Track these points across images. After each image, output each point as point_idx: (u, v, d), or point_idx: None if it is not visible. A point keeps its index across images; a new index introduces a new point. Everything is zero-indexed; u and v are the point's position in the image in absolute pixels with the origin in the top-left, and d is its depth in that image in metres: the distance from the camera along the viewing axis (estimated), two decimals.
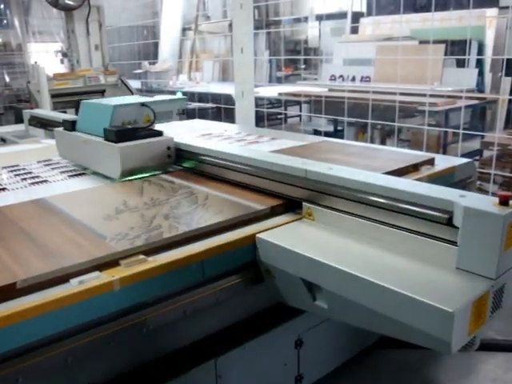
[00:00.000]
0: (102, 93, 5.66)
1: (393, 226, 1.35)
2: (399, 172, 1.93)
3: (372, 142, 4.70)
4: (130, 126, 2.12)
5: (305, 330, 1.82)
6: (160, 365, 1.50)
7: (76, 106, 3.14)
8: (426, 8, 6.11)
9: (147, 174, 2.07)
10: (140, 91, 7.49)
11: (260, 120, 4.71)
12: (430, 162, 2.12)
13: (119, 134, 2.01)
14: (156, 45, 10.04)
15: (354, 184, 1.44)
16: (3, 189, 2.03)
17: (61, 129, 2.46)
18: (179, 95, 2.27)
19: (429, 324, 1.08)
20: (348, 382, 2.00)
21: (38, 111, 3.77)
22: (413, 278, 1.19)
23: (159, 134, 2.12)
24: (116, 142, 1.99)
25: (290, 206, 1.65)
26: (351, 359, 2.05)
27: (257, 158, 1.78)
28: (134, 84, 6.81)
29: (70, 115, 3.14)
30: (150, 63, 8.95)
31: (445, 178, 2.02)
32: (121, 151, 1.97)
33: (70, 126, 2.36)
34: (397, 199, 1.35)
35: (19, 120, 5.60)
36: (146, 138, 2.06)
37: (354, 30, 7.43)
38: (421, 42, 5.44)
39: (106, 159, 2.06)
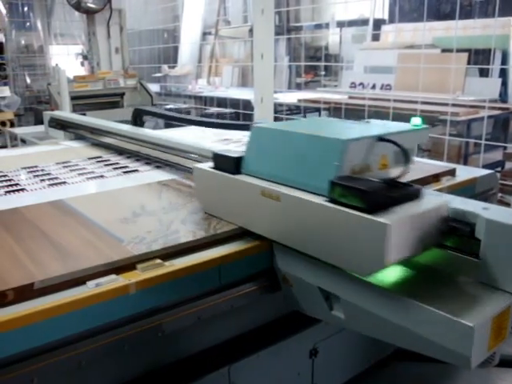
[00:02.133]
0: (121, 96, 5.71)
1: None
2: (420, 182, 1.90)
3: None
4: (375, 179, 1.24)
5: (320, 339, 1.80)
6: (173, 370, 1.50)
7: (136, 115, 2.97)
8: (449, 16, 6.07)
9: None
10: (159, 95, 7.54)
11: None
12: (451, 172, 2.09)
13: (375, 195, 1.15)
14: (176, 49, 10.10)
15: None
16: (22, 189, 2.04)
17: (206, 166, 1.62)
18: (417, 121, 1.45)
19: (448, 338, 1.06)
20: None
21: (58, 113, 3.81)
22: (433, 291, 1.16)
23: (419, 192, 1.26)
24: (369, 212, 1.13)
25: None
26: (366, 370, 2.02)
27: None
28: (154, 88, 6.85)
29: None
30: (170, 67, 8.99)
31: (466, 190, 1.98)
32: (391, 232, 1.09)
33: (233, 165, 1.51)
34: None
35: (39, 121, 5.66)
36: (408, 200, 1.22)
37: (376, 38, 7.40)
38: (443, 51, 5.40)
39: (338, 238, 1.20)
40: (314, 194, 1.26)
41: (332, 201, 1.20)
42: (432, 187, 1.91)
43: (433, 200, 1.24)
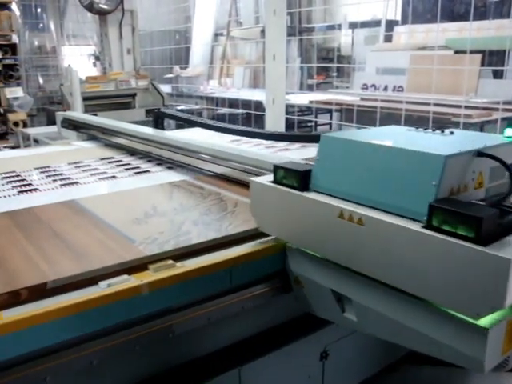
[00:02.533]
0: (132, 96, 5.73)
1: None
2: None
3: None
4: (481, 202, 1.10)
5: (331, 341, 1.79)
6: (184, 371, 1.49)
7: (158, 117, 2.80)
8: (463, 17, 6.02)
9: None
10: (170, 96, 7.56)
11: (290, 127, 4.70)
12: None
13: (489, 224, 0.97)
14: (188, 50, 10.13)
15: None
16: (35, 189, 2.05)
17: (265, 180, 1.42)
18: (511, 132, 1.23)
19: (461, 341, 1.05)
20: None
21: (70, 113, 3.83)
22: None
23: None
24: (482, 243, 0.96)
25: None
26: (377, 374, 2.01)
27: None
28: (165, 88, 6.87)
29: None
30: (181, 68, 9.02)
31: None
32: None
33: (298, 179, 1.31)
34: None
35: (51, 121, 5.70)
36: None
37: (388, 39, 7.38)
38: (456, 52, 5.36)
39: (440, 272, 1.02)
40: (405, 217, 1.08)
41: (430, 227, 1.03)
42: None
43: None
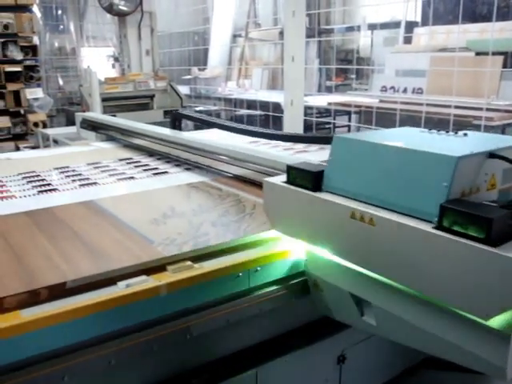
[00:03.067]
0: (151, 98, 5.76)
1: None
2: None
3: None
4: (493, 204, 1.10)
5: (348, 345, 1.77)
6: (201, 372, 1.49)
7: (175, 119, 2.80)
8: (485, 18, 5.94)
9: None
10: (189, 97, 7.59)
11: (308, 129, 4.69)
12: None
13: (499, 225, 0.97)
14: (206, 51, 10.16)
15: None
16: (54, 189, 2.07)
17: (278, 180, 1.43)
18: None
19: (483, 347, 1.03)
20: None
21: (89, 114, 3.86)
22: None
23: None
24: (493, 244, 0.95)
25: None
26: (394, 378, 1.99)
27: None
28: (183, 90, 6.90)
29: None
30: (200, 69, 9.05)
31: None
32: None
33: (312, 180, 1.32)
34: None
35: (70, 122, 5.76)
36: None
37: (408, 40, 7.32)
38: (477, 54, 5.29)
39: (452, 273, 1.02)
40: (416, 218, 1.09)
41: (441, 228, 1.03)
42: None
43: None
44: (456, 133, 1.29)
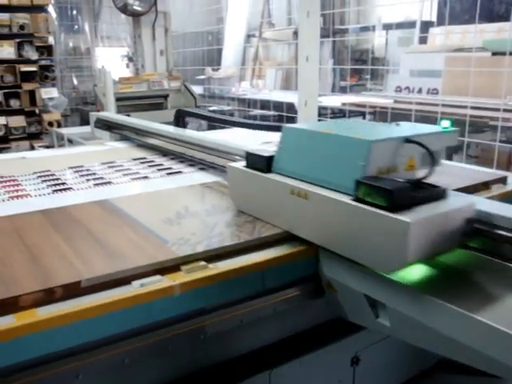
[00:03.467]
0: (165, 97, 5.78)
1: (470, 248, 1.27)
2: (469, 190, 1.84)
3: None
4: (400, 179, 1.26)
5: (362, 347, 1.76)
6: (214, 373, 1.49)
7: (179, 116, 2.97)
8: (502, 17, 5.87)
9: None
10: (203, 97, 7.60)
11: None
12: (502, 180, 2.02)
13: (399, 195, 1.16)
14: (220, 51, 10.17)
15: None
16: (69, 188, 2.08)
17: (240, 165, 1.67)
18: (446, 124, 1.44)
19: (500, 350, 1.01)
20: None
21: (103, 114, 3.88)
22: (486, 302, 1.12)
23: (444, 193, 1.29)
24: (392, 210, 1.15)
25: None
26: (409, 380, 1.97)
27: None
28: (197, 90, 6.91)
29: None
30: (213, 69, 9.07)
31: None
32: (412, 231, 1.11)
33: (264, 164, 1.54)
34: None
35: (84, 122, 5.80)
36: (432, 201, 1.24)
37: (423, 40, 7.26)
38: (494, 54, 5.23)
39: (361, 236, 1.23)
40: (341, 192, 1.29)
41: (357, 200, 1.23)
42: (482, 195, 1.84)
43: (458, 201, 1.26)
44: (391, 124, 1.51)
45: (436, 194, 1.27)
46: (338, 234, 1.30)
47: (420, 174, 1.32)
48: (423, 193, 1.25)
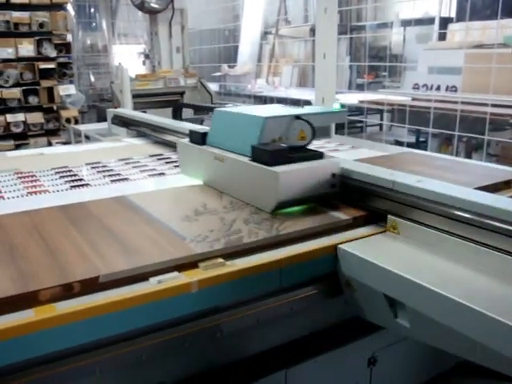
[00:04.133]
0: (181, 94, 5.78)
1: (486, 245, 1.25)
2: (489, 188, 1.81)
3: (457, 155, 4.50)
4: (284, 145, 1.70)
5: (380, 348, 1.75)
6: (230, 371, 1.49)
7: (176, 109, 3.09)
8: None
9: (302, 207, 1.66)
10: (219, 94, 7.60)
11: (338, 127, 4.64)
12: None
13: (276, 154, 1.61)
14: (236, 48, 10.16)
15: (446, 199, 1.36)
16: (86, 184, 2.09)
17: (186, 140, 2.13)
18: (336, 105, 1.78)
19: None
20: None
21: (121, 110, 3.89)
22: (508, 303, 1.09)
23: (320, 156, 1.71)
24: (271, 165, 1.59)
25: (373, 218, 1.59)
26: (426, 383, 1.95)
27: (341, 167, 1.73)
28: (213, 87, 6.90)
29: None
30: (230, 66, 9.06)
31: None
32: (281, 178, 1.55)
33: (200, 138, 2.01)
34: (492, 217, 1.25)
35: (101, 118, 5.83)
36: (305, 160, 1.65)
37: (441, 37, 7.17)
38: None
39: (253, 185, 1.67)
40: (244, 155, 1.74)
41: (253, 160, 1.69)
42: (503, 194, 1.82)
43: (327, 161, 1.70)
44: (302, 107, 1.93)
45: (312, 155, 1.70)
46: (241, 184, 1.75)
47: (304, 142, 1.75)
48: (300, 154, 1.67)
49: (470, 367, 1.96)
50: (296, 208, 1.64)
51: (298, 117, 1.74)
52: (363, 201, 1.63)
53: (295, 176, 1.59)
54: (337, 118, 2.10)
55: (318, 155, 1.70)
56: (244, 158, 1.71)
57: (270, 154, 1.61)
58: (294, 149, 1.69)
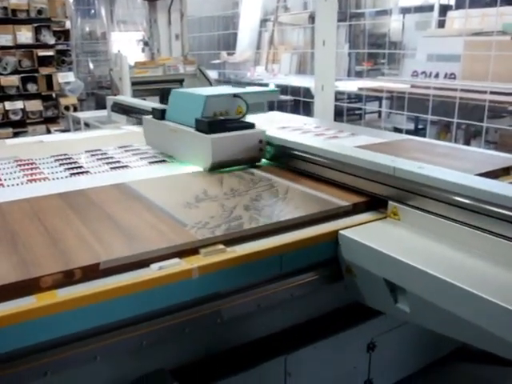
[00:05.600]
0: (180, 82, 5.76)
1: (486, 231, 1.26)
2: (489, 175, 1.81)
3: (455, 142, 4.50)
4: (221, 118, 2.07)
5: (379, 333, 1.76)
6: (231, 356, 1.50)
7: (163, 94, 3.21)
8: None
9: (236, 168, 2.01)
10: (218, 82, 7.57)
11: (337, 115, 4.63)
12: None
13: (211, 125, 1.98)
14: (235, 35, 10.09)
15: (447, 185, 1.36)
16: (86, 172, 2.08)
17: (149, 117, 2.47)
18: (272, 87, 2.32)
19: None
20: None
21: (120, 98, 3.88)
22: (508, 288, 1.10)
23: (251, 126, 2.06)
24: (208, 133, 1.95)
25: (374, 204, 1.59)
26: (424, 368, 1.97)
27: (342, 153, 1.73)
28: (212, 74, 6.87)
29: (158, 104, 3.20)
30: (229, 54, 9.01)
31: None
32: (212, 142, 1.92)
33: (160, 114, 2.36)
34: (492, 203, 1.26)
35: (100, 106, 5.81)
36: (238, 130, 2.01)
37: (440, 24, 7.13)
38: None
39: (196, 150, 2.05)
40: (191, 127, 2.08)
41: (196, 130, 2.04)
42: (502, 181, 1.82)
43: (255, 130, 2.06)
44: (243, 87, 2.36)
45: (244, 126, 2.06)
46: (188, 150, 2.11)
47: (240, 116, 2.11)
48: (234, 125, 2.03)
49: (467, 352, 1.98)
50: (232, 168, 2.01)
51: (235, 95, 2.11)
52: (282, 160, 2.05)
53: (226, 141, 1.96)
54: (269, 96, 2.63)
55: (249, 126, 2.07)
56: (190, 129, 2.08)
57: (207, 124, 1.99)
58: (230, 121, 2.06)
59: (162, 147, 2.36)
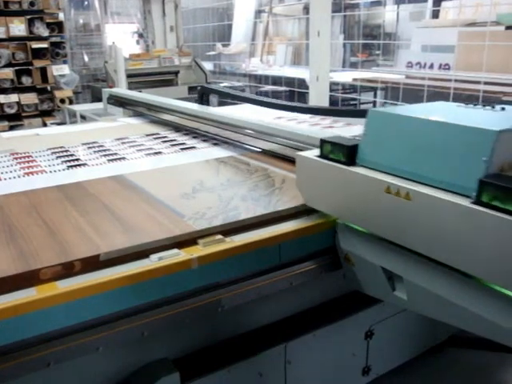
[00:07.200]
0: (175, 74, 5.74)
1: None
2: None
3: None
4: None
5: (376, 321, 1.77)
6: (231, 345, 1.51)
7: (202, 94, 2.79)
8: None
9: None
10: (213, 73, 7.54)
11: (333, 105, 4.63)
12: None
13: None
14: (230, 27, 10.04)
15: None
16: (83, 164, 2.08)
17: (311, 154, 1.44)
18: None
19: None
20: (415, 378, 1.94)
21: (116, 90, 3.87)
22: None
23: None
24: None
25: None
26: (421, 355, 1.99)
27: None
28: (208, 66, 6.85)
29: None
30: (224, 45, 8.98)
31: None
32: None
33: (345, 153, 1.32)
34: None
35: (95, 98, 5.78)
36: None
37: (435, 15, 7.12)
38: (507, 28, 5.12)
39: (488, 249, 1.00)
40: (453, 193, 1.07)
41: (480, 203, 1.01)
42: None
43: None
44: (493, 107, 1.25)
45: None
46: (452, 243, 1.06)
47: None
48: None
49: (463, 339, 2.00)
50: None
51: None
52: None
53: None
54: None
55: None
56: (459, 199, 1.05)
57: None
58: None
59: (356, 217, 1.32)
